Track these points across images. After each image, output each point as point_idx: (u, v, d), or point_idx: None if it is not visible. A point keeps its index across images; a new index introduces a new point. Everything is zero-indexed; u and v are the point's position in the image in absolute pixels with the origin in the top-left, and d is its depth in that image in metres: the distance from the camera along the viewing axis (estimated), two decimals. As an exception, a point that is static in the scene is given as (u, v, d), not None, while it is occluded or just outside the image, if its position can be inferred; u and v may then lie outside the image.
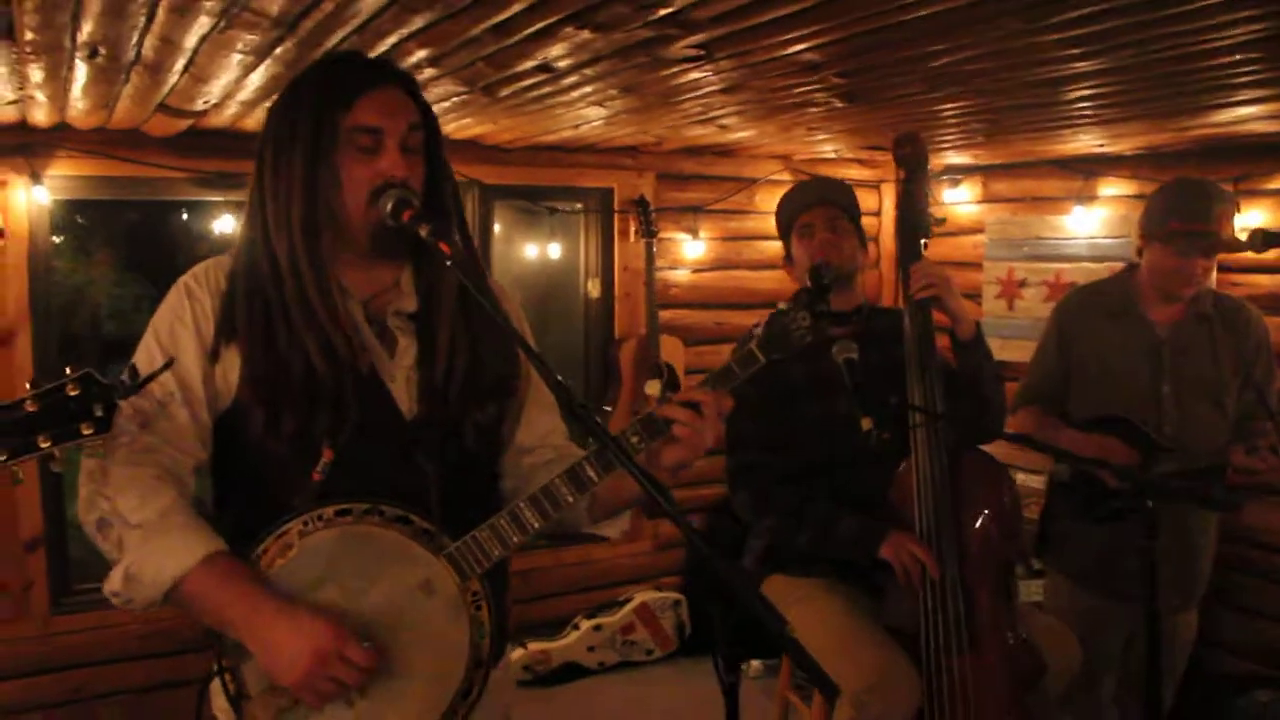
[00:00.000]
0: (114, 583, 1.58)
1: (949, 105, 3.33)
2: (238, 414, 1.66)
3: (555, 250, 5.06)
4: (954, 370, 2.74)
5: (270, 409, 1.62)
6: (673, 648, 5.08)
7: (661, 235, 5.08)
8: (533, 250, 5.55)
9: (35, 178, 4.01)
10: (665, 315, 5.12)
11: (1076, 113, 3.35)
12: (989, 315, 5.08)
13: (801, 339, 1.68)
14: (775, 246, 5.35)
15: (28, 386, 1.41)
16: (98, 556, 1.63)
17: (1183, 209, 2.92)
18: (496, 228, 5.03)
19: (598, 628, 4.95)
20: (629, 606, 5.02)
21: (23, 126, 3.83)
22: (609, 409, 5.00)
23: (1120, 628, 3.12)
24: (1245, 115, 3.27)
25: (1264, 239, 2.73)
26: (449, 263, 1.57)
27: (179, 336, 1.68)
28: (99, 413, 1.43)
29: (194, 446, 1.67)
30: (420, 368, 1.73)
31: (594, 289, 5.21)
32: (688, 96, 3.21)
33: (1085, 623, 2.95)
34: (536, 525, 1.65)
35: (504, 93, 3.10)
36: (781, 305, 1.70)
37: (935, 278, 2.63)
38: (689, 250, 5.28)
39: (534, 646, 4.82)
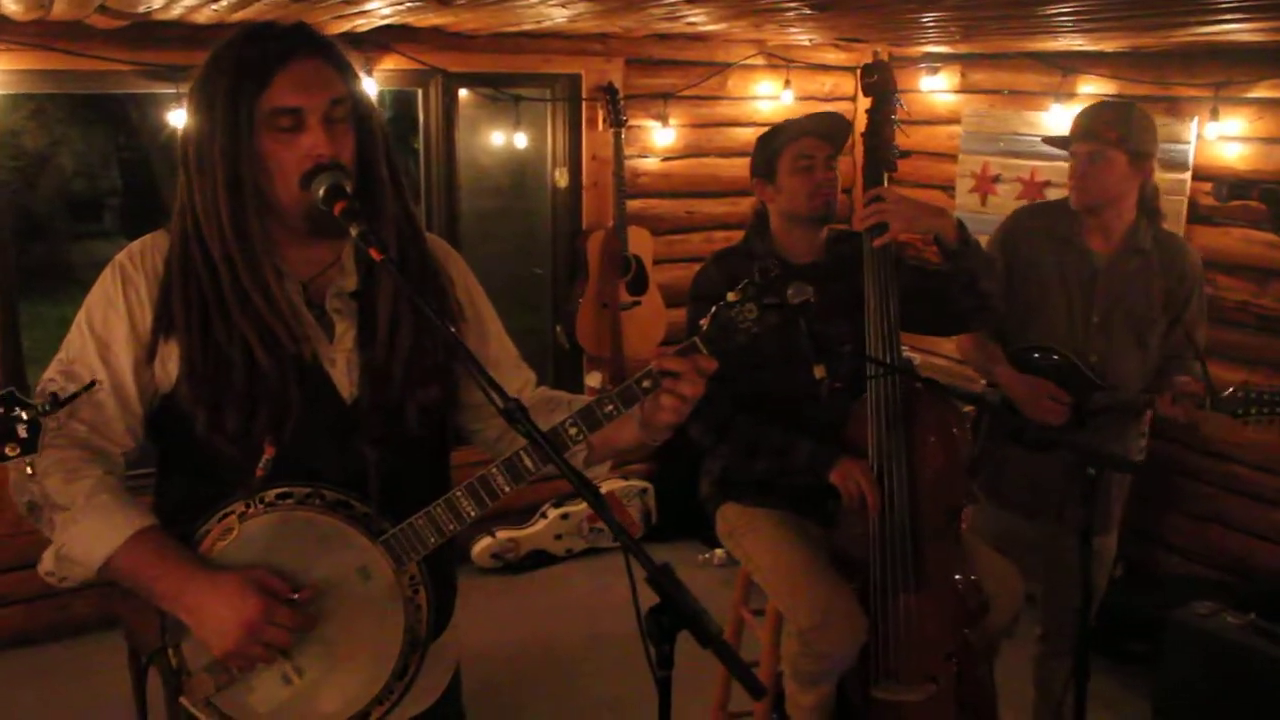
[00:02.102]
0: (47, 563, 1.60)
1: (926, 13, 3.22)
2: (176, 405, 1.63)
3: (521, 140, 4.93)
4: (934, 272, 2.71)
5: (211, 409, 1.59)
6: (640, 533, 5.16)
7: (630, 123, 4.96)
8: (498, 139, 5.42)
9: (-19, 72, 3.86)
10: (634, 205, 5.03)
11: (1056, 23, 3.24)
12: (961, 209, 5.01)
13: (748, 334, 1.65)
14: (748, 134, 5.29)
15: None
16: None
17: (1085, 125, 2.93)
18: (461, 117, 4.89)
19: (565, 516, 5.02)
20: (596, 496, 5.07)
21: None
22: (578, 299, 4.96)
23: (1039, 549, 3.17)
24: (1228, 30, 3.18)
25: (1230, 190, 2.67)
26: (381, 262, 1.52)
27: (111, 322, 1.64)
28: (23, 433, 1.44)
29: (122, 436, 1.65)
30: (361, 349, 1.69)
31: (561, 179, 5.11)
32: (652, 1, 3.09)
33: (1006, 543, 2.99)
34: (473, 514, 1.64)
35: (460, -1, 2.98)
36: (730, 296, 1.65)
37: (887, 206, 2.54)
38: (659, 138, 5.17)
39: (502, 534, 4.90)
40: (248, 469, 1.61)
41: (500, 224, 6.10)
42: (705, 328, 1.65)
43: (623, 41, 4.92)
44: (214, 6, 3.03)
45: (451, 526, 1.64)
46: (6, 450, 1.41)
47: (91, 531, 1.56)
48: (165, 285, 1.64)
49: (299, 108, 1.57)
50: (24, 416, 1.45)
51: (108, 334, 1.64)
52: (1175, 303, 3.00)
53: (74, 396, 1.47)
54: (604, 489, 5.07)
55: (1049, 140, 3.22)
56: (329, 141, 1.59)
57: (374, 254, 1.51)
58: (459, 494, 1.64)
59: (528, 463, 1.64)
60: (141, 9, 3.08)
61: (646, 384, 1.64)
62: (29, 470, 1.49)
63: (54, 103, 9.52)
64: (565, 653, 4.21)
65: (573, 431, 1.65)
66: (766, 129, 2.91)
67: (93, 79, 4.15)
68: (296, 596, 1.57)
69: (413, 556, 1.64)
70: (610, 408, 1.65)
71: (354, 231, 1.52)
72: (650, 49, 5.02)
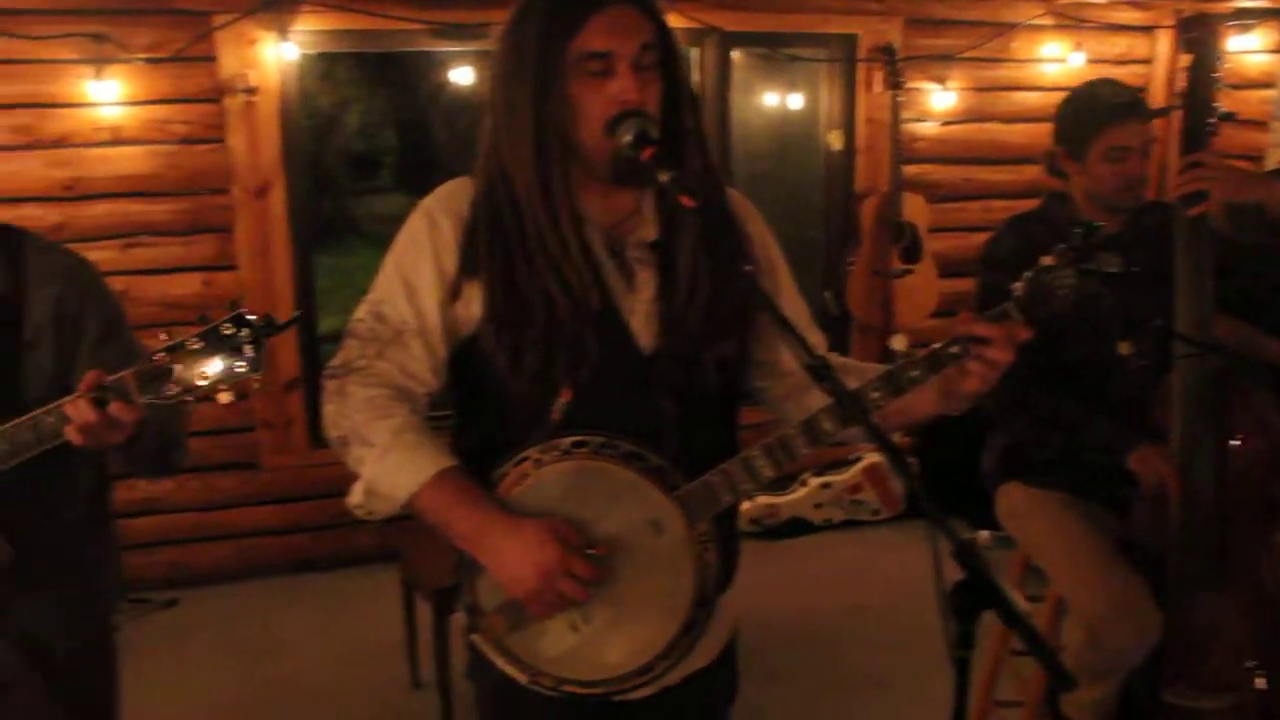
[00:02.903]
0: (356, 496, 1.66)
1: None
2: (477, 347, 1.67)
3: (795, 101, 4.86)
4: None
5: (512, 350, 1.62)
6: (899, 510, 5.05)
7: (908, 85, 4.80)
8: (772, 100, 5.36)
9: (283, 34, 4.14)
10: (910, 170, 4.89)
11: None
12: (1272, 180, 4.60)
13: (1065, 301, 1.55)
14: (1032, 98, 5.05)
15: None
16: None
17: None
18: (734, 77, 4.87)
19: (826, 485, 4.96)
20: (858, 466, 5.00)
21: (268, -17, 3.94)
22: (850, 265, 4.87)
23: None
24: None
25: None
26: (688, 210, 1.51)
27: (419, 265, 1.68)
28: (250, 351, 1.59)
29: (427, 378, 1.69)
30: (660, 301, 1.68)
31: (835, 141, 5.01)
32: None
33: None
34: (769, 475, 1.62)
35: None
36: (1045, 261, 1.56)
37: (1208, 172, 2.34)
38: (937, 101, 4.99)
39: (762, 500, 4.88)
40: (544, 412, 1.63)
41: (770, 187, 6.03)
42: (1020, 293, 1.56)
43: (902, 0, 4.76)
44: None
45: (747, 486, 1.62)
46: (235, 366, 1.55)
47: (398, 467, 1.61)
48: (470, 228, 1.67)
49: (609, 52, 1.56)
50: (250, 336, 1.62)
51: (414, 277, 1.68)
52: None
53: (292, 322, 1.55)
54: (867, 460, 4.98)
55: None
56: (637, 88, 1.57)
57: (685, 200, 1.49)
58: (756, 453, 1.61)
59: (827, 425, 1.60)
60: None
61: (955, 350, 1.57)
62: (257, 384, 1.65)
63: (341, 64, 10.12)
64: (825, 623, 4.16)
65: (875, 395, 1.60)
66: (1078, 92, 2.67)
67: (385, 37, 4.37)
68: (593, 552, 1.59)
69: (705, 514, 1.63)
70: (915, 373, 1.59)
71: (664, 177, 1.51)
72: (931, 8, 4.84)
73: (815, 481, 4.96)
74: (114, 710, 2.18)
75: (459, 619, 1.97)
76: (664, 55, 1.64)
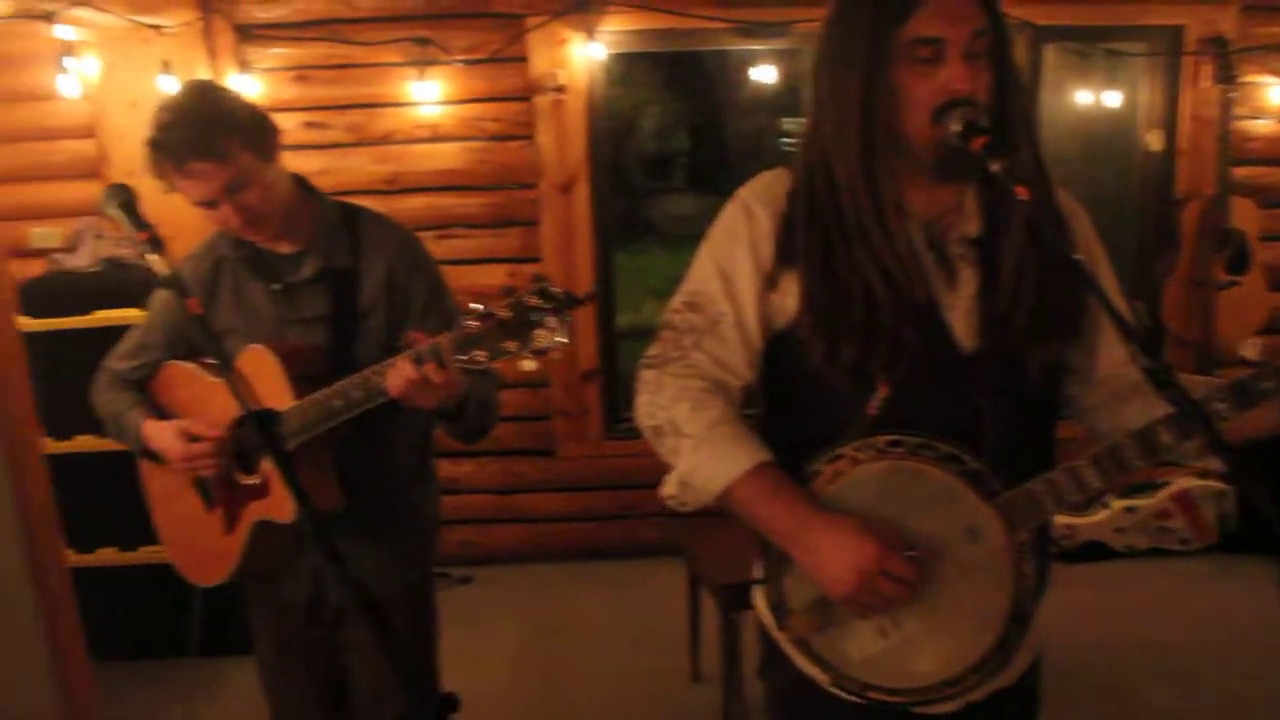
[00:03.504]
0: (670, 486, 1.67)
1: None
2: (792, 339, 1.65)
3: (1111, 98, 4.58)
4: None
5: (829, 340, 1.59)
6: (1213, 540, 4.66)
7: (1242, 79, 4.44)
8: (1085, 97, 5.08)
9: (591, 34, 4.28)
10: (1240, 172, 4.53)
11: None
12: None
13: None
14: (1391, 93, 4.54)
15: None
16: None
17: None
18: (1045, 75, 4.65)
19: (1130, 509, 4.66)
20: (1166, 491, 4.66)
21: (580, -15, 4.08)
22: (1165, 279, 4.55)
23: None
24: None
25: None
26: (1018, 203, 1.44)
27: (735, 256, 1.67)
28: (553, 322, 1.68)
29: (742, 370, 1.68)
30: (982, 298, 1.61)
31: (1154, 142, 4.69)
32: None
33: None
34: (1098, 486, 1.51)
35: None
36: None
37: None
38: (1276, 96, 4.57)
39: (1060, 520, 4.64)
40: (859, 407, 1.59)
41: (1078, 190, 5.72)
42: None
43: (1239, -14, 4.42)
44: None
45: (1074, 497, 1.52)
46: (539, 335, 1.65)
47: (713, 460, 1.61)
48: (788, 217, 1.65)
49: (940, 38, 1.51)
50: (553, 307, 1.70)
51: (731, 267, 1.67)
52: None
53: (591, 297, 1.63)
54: (1177, 484, 4.64)
55: None
56: (967, 76, 1.51)
57: (1020, 191, 1.42)
58: (1083, 463, 1.52)
59: (1165, 438, 1.48)
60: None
61: None
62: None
63: (638, 66, 10.37)
64: (1119, 655, 3.90)
65: (1220, 407, 1.47)
66: None
67: (689, 37, 4.46)
68: (912, 554, 1.53)
69: (1026, 523, 1.54)
70: (1269, 384, 1.45)
71: (995, 167, 1.45)
72: (1272, -7, 4.46)
73: (1119, 504, 4.67)
74: (434, 653, 2.38)
75: (747, 615, 1.96)
76: (995, 42, 1.57)
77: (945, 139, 1.52)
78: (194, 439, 2.14)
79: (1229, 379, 1.50)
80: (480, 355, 1.75)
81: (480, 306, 1.75)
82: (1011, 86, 1.60)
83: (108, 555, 3.95)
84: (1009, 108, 1.59)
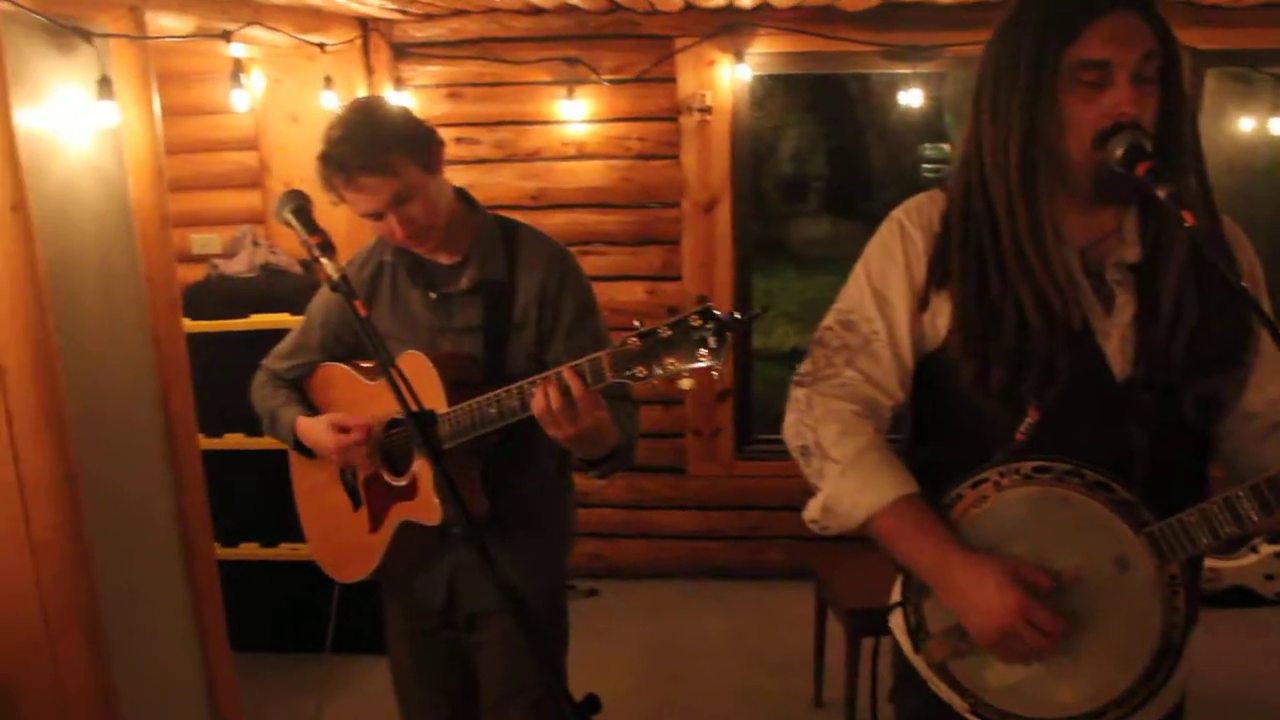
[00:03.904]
0: (813, 511, 1.67)
1: None
2: (943, 360, 1.64)
3: (1277, 125, 4.42)
4: None
5: (980, 363, 1.58)
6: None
7: None
8: (1247, 125, 4.91)
9: (738, 56, 4.31)
10: None
11: None
12: None
13: None
14: None
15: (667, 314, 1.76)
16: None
17: None
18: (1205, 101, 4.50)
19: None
20: (1320, 538, 4.46)
21: (729, 8, 4.12)
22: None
23: None
24: None
25: None
26: (1186, 227, 1.41)
27: (889, 275, 1.68)
28: (713, 343, 1.71)
29: (893, 388, 1.68)
30: (1138, 326, 1.58)
31: (1319, 173, 4.52)
32: None
33: None
34: (1255, 519, 1.47)
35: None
36: None
37: None
38: None
39: (1205, 561, 4.46)
40: (1008, 432, 1.58)
41: (1237, 218, 5.54)
42: None
43: None
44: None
45: (1229, 530, 1.48)
46: (700, 355, 1.70)
47: (858, 488, 1.61)
48: (943, 238, 1.65)
49: (1108, 61, 1.49)
50: (715, 329, 1.73)
51: (885, 286, 1.68)
52: None
53: (753, 319, 1.74)
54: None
55: None
56: (1135, 100, 1.49)
57: (1187, 217, 1.40)
58: (1241, 494, 1.47)
59: (1330, 468, 1.43)
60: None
61: None
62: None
63: (778, 89, 10.38)
64: (1262, 706, 3.75)
65: None
66: None
67: (836, 60, 4.45)
68: (1057, 579, 1.51)
69: (1178, 555, 1.51)
70: None
71: (1162, 193, 1.42)
72: None
73: (1268, 549, 4.47)
74: (564, 654, 2.44)
75: (873, 642, 1.95)
76: (1165, 65, 1.54)
77: (1107, 163, 1.50)
78: (344, 430, 2.23)
79: None
80: (640, 371, 1.79)
81: (640, 324, 1.79)
82: (1179, 111, 1.57)
83: (249, 550, 4.13)
84: (1176, 133, 1.56)
